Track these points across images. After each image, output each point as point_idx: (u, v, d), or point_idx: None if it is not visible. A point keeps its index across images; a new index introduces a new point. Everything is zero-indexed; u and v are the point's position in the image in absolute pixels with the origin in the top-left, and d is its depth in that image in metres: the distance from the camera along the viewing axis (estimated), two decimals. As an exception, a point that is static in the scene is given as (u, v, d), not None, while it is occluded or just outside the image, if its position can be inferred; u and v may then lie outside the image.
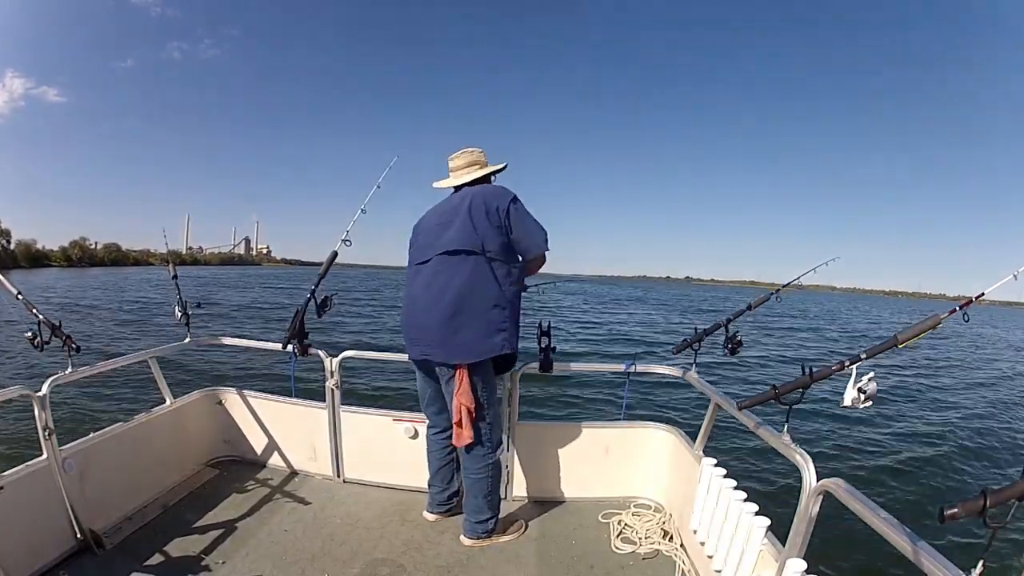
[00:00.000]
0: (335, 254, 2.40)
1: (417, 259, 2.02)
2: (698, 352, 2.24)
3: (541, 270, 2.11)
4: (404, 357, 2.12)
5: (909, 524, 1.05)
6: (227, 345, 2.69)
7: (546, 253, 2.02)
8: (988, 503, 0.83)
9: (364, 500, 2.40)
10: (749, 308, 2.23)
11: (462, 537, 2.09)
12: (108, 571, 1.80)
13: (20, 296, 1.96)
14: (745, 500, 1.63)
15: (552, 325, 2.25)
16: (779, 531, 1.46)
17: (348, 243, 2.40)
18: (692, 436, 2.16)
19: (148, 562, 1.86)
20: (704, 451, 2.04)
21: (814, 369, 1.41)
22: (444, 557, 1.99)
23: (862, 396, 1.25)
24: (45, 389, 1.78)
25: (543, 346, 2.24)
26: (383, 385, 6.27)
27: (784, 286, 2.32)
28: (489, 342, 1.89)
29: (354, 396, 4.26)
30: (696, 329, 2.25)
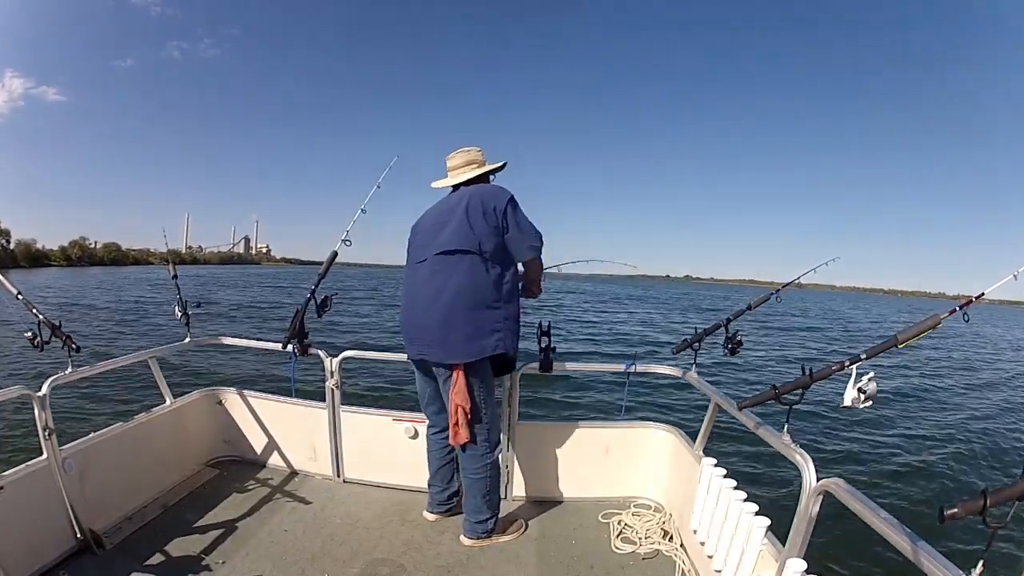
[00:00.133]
0: (335, 254, 2.40)
1: (415, 259, 2.01)
2: (698, 352, 2.24)
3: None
4: (404, 357, 2.12)
5: (909, 524, 1.05)
6: (227, 345, 2.69)
7: (540, 258, 2.00)
8: (988, 503, 0.83)
9: (364, 500, 2.40)
10: (749, 308, 2.23)
11: (462, 537, 2.09)
12: (108, 571, 1.80)
13: (20, 296, 1.96)
14: (745, 500, 1.62)
15: (552, 325, 2.25)
16: (779, 531, 1.46)
17: (348, 243, 2.40)
18: (692, 436, 2.16)
19: (148, 562, 1.86)
20: (704, 451, 2.04)
21: (814, 369, 1.41)
22: (444, 557, 1.99)
23: (862, 396, 1.25)
24: (45, 389, 1.77)
25: (543, 346, 2.23)
26: (383, 385, 6.28)
27: (784, 285, 2.32)
28: (483, 342, 1.88)
29: (354, 396, 4.26)
30: (696, 329, 2.25)
